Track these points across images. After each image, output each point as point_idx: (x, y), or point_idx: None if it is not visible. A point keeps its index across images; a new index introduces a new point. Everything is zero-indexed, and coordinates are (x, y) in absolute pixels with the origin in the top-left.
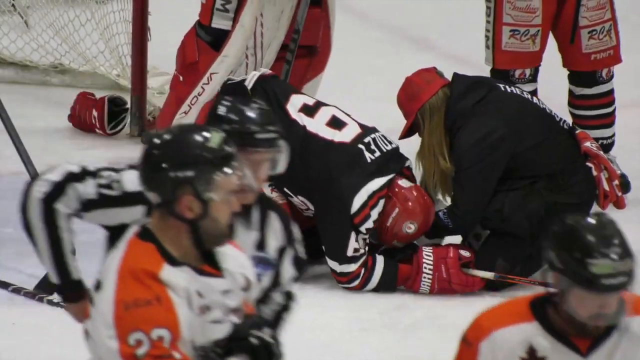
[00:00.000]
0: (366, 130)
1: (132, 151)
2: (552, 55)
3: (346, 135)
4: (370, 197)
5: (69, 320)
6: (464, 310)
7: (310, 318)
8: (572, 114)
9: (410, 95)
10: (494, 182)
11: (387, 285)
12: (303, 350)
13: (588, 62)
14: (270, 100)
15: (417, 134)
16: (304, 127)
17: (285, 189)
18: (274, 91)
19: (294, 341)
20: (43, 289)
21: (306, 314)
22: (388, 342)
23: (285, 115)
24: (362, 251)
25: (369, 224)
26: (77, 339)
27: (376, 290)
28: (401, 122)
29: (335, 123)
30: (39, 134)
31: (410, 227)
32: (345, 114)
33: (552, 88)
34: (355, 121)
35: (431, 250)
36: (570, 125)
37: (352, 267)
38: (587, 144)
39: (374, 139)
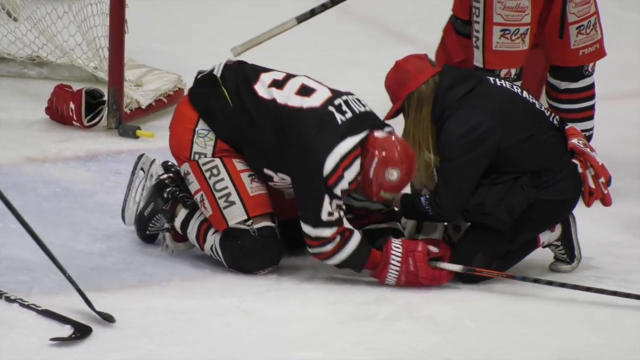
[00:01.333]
0: (337, 93)
1: (109, 144)
2: None
3: (315, 100)
4: (342, 157)
5: None
6: (441, 303)
7: (288, 311)
8: (555, 108)
9: (400, 80)
10: (478, 176)
11: (355, 263)
12: (279, 342)
13: (577, 58)
14: (239, 84)
15: (402, 115)
16: (274, 100)
17: (265, 171)
18: (243, 75)
19: (271, 333)
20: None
21: (283, 306)
22: (365, 335)
23: (254, 95)
24: (336, 216)
25: (344, 184)
26: None
27: (343, 265)
28: (382, 114)
29: (304, 91)
30: (16, 127)
31: (393, 174)
32: (316, 81)
33: None
34: (326, 86)
35: (400, 243)
36: (559, 120)
37: (326, 232)
38: (574, 140)
39: (345, 101)
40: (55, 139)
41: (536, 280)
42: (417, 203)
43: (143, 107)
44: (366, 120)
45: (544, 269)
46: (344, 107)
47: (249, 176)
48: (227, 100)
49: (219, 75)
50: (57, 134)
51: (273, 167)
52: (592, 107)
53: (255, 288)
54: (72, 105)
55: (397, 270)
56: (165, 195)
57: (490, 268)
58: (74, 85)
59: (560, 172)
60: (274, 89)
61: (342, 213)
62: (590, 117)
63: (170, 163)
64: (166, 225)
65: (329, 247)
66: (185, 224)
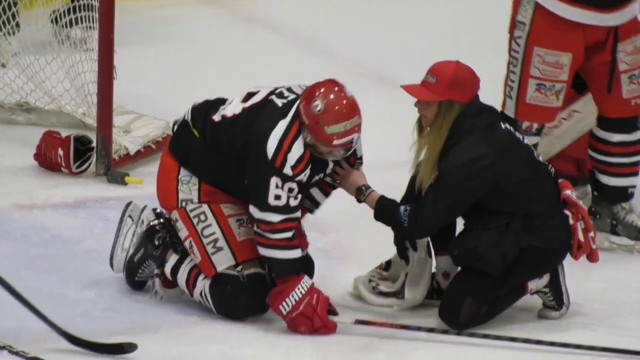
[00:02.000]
0: (282, 86)
1: (98, 190)
2: None
3: (258, 98)
4: (283, 135)
5: None
6: (430, 351)
7: (276, 359)
8: (602, 162)
9: (455, 83)
10: (467, 205)
11: (279, 268)
12: None
13: (629, 108)
14: (204, 120)
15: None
16: (223, 116)
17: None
18: (207, 109)
19: None
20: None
21: (271, 354)
22: None
23: (211, 123)
24: (284, 201)
25: (291, 161)
26: None
27: (270, 262)
28: (372, 158)
29: (249, 96)
30: (4, 173)
31: (317, 105)
32: (265, 86)
33: None
34: (271, 87)
35: (311, 282)
36: (554, 172)
37: (274, 217)
38: (568, 192)
39: (288, 88)
40: (44, 186)
41: (430, 330)
42: (395, 211)
43: (131, 153)
44: None
45: (533, 315)
46: (286, 93)
47: (237, 221)
48: (197, 140)
49: (189, 119)
50: (45, 180)
51: (243, 180)
52: None
53: (243, 335)
54: (60, 152)
55: (296, 300)
56: (155, 241)
57: (479, 313)
58: (63, 132)
59: (552, 219)
60: (224, 111)
61: (292, 200)
62: (637, 173)
63: (159, 210)
64: (156, 271)
65: (277, 236)
66: (175, 269)
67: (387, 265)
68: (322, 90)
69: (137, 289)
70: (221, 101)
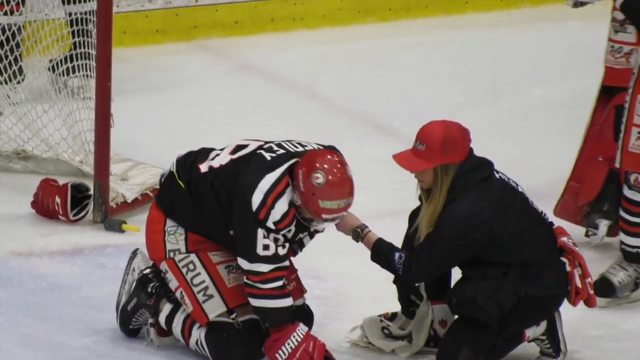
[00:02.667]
0: (272, 141)
1: (95, 238)
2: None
3: (246, 150)
4: (269, 190)
5: None
6: None
7: None
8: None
9: (445, 147)
10: (461, 259)
11: (272, 317)
12: None
13: None
14: (188, 171)
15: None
16: (210, 167)
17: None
18: (193, 160)
19: None
20: None
21: None
22: None
23: (197, 172)
24: (272, 250)
25: (275, 216)
26: None
27: (262, 312)
28: (368, 206)
29: (238, 148)
30: (2, 221)
31: (318, 177)
32: (255, 140)
33: None
34: (261, 141)
35: (306, 329)
36: (550, 220)
37: (264, 267)
38: (564, 239)
39: (278, 144)
40: (41, 233)
41: None
42: (390, 257)
43: (129, 201)
44: (299, 155)
45: None
46: (275, 148)
47: (226, 268)
48: (182, 190)
49: (174, 170)
50: (42, 228)
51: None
52: None
53: None
54: (57, 200)
55: (294, 345)
56: (149, 289)
57: None
58: (60, 179)
59: (549, 267)
60: (211, 162)
61: (281, 249)
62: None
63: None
64: (150, 320)
65: (268, 286)
66: (170, 318)
67: (393, 317)
68: (326, 164)
69: (132, 336)
70: (205, 151)
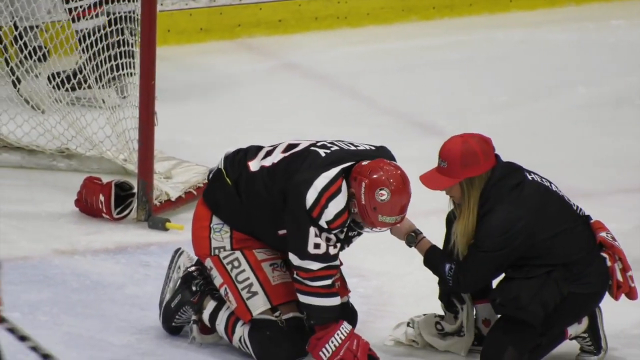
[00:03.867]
0: (322, 140)
1: (138, 236)
2: None
3: (299, 148)
4: (324, 188)
5: None
6: None
7: None
8: None
9: (466, 161)
10: (506, 265)
11: (319, 315)
12: None
13: None
14: (237, 168)
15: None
16: (262, 167)
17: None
18: (242, 157)
19: None
20: None
21: None
22: None
23: (247, 171)
24: (323, 249)
25: (328, 216)
26: None
27: (310, 308)
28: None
29: (290, 147)
30: (45, 219)
31: (383, 194)
32: (306, 140)
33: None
34: (311, 140)
35: (350, 327)
36: (586, 213)
37: (314, 265)
38: (603, 234)
39: (332, 142)
40: (85, 232)
41: None
42: (440, 267)
43: (172, 199)
44: (354, 155)
45: None
46: (329, 145)
47: (271, 265)
48: (229, 188)
49: (222, 167)
50: (86, 226)
51: (281, 230)
52: None
53: None
54: (101, 198)
55: (338, 344)
56: (193, 287)
57: None
58: (104, 178)
59: (590, 265)
60: (263, 161)
61: (332, 249)
62: None
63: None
64: (193, 317)
65: (316, 284)
66: (213, 316)
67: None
68: (391, 179)
69: (174, 334)
70: (254, 149)
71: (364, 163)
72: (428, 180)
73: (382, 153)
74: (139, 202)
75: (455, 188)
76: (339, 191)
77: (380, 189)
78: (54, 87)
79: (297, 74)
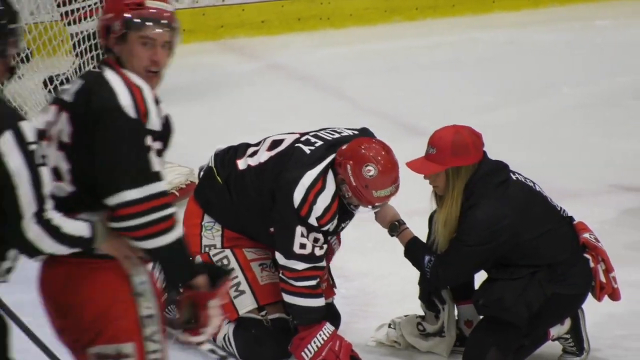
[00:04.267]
0: (307, 132)
1: None
2: None
3: (284, 145)
4: (310, 186)
5: None
6: None
7: None
8: None
9: (456, 150)
10: (486, 262)
11: (303, 316)
12: None
13: None
14: (227, 167)
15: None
16: (248, 166)
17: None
18: (232, 155)
19: None
20: None
21: None
22: None
23: (235, 170)
24: (309, 250)
25: (317, 212)
26: None
27: (295, 309)
28: (395, 206)
29: (274, 144)
30: None
31: (370, 170)
32: (288, 133)
33: None
34: (297, 133)
35: (333, 328)
36: (569, 214)
37: (299, 265)
38: (586, 235)
39: (315, 134)
40: None
41: None
42: (420, 259)
43: None
44: (338, 145)
45: None
46: (313, 140)
47: (260, 265)
48: (220, 187)
49: (213, 165)
50: None
51: (269, 230)
52: None
53: None
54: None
55: (318, 346)
56: (179, 287)
57: None
58: None
59: (574, 266)
60: (249, 159)
61: (318, 250)
62: None
63: None
64: (177, 316)
65: (301, 284)
66: None
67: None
68: (373, 154)
69: None
70: (244, 146)
71: (343, 147)
72: (415, 166)
73: (363, 134)
74: None
75: (440, 177)
76: (325, 186)
77: (366, 165)
78: (49, 92)
79: (282, 74)
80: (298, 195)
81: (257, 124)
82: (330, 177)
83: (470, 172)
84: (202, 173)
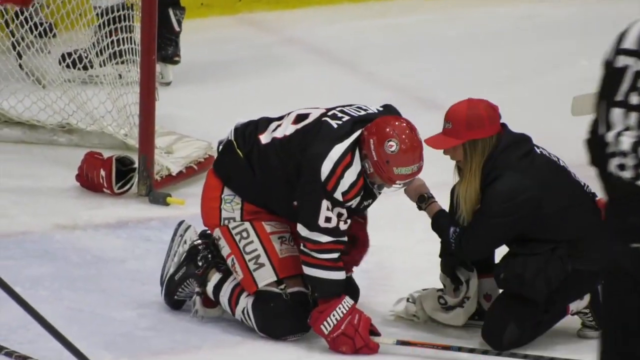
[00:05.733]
0: (333, 107)
1: (139, 211)
2: None
3: (310, 119)
4: (339, 159)
5: None
6: None
7: None
8: None
9: (471, 123)
10: (509, 237)
11: (324, 289)
12: None
13: None
14: (249, 140)
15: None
16: (274, 139)
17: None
18: (253, 129)
19: None
20: None
21: None
22: None
23: (258, 145)
24: (334, 224)
25: (344, 186)
26: None
27: (314, 281)
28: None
29: (300, 118)
30: (46, 194)
31: (392, 145)
32: (312, 107)
33: None
34: (321, 108)
35: (352, 302)
36: (593, 191)
37: (323, 238)
38: None
39: (341, 110)
40: (86, 206)
41: (471, 351)
42: (445, 230)
43: (174, 174)
44: (365, 122)
45: (573, 335)
46: (339, 114)
47: (279, 238)
48: (241, 160)
49: (233, 138)
50: (87, 201)
51: (292, 201)
52: None
53: (286, 355)
54: (102, 173)
55: (339, 317)
56: (199, 261)
57: (522, 337)
58: (105, 153)
59: (595, 242)
60: (274, 133)
61: (342, 224)
62: None
63: (207, 232)
64: (197, 289)
65: (323, 256)
66: (218, 287)
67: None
68: (397, 130)
69: (176, 308)
70: (265, 121)
71: (368, 124)
72: (432, 141)
73: (387, 112)
74: (139, 177)
75: (458, 151)
76: (352, 161)
77: (388, 141)
78: (66, 67)
79: (298, 49)
80: (326, 168)
81: (273, 98)
82: (357, 154)
83: (489, 146)
84: (221, 147)
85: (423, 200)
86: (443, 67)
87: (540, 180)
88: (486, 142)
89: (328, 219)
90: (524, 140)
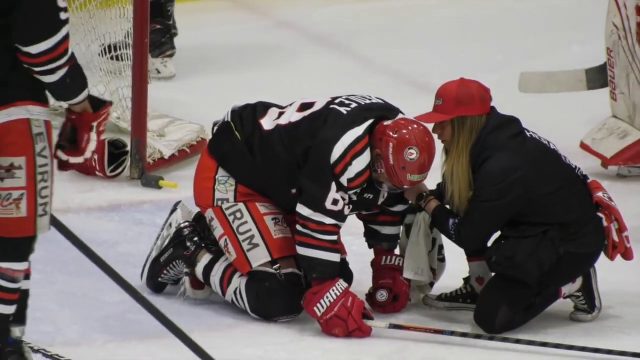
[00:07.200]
0: (338, 96)
1: (132, 194)
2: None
3: (316, 107)
4: (350, 145)
5: None
6: (465, 353)
7: None
8: None
9: (460, 99)
10: (504, 219)
11: (319, 269)
12: None
13: None
14: (248, 123)
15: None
16: (277, 125)
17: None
18: (252, 112)
19: None
20: None
21: (306, 357)
22: None
23: (259, 129)
24: (340, 207)
25: (350, 173)
26: None
27: (309, 261)
28: None
29: (305, 106)
30: None
31: (412, 153)
32: (320, 97)
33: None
34: (326, 97)
35: (346, 285)
36: (584, 174)
37: (327, 220)
38: (599, 194)
39: (347, 97)
40: (78, 189)
41: (464, 334)
42: (445, 223)
43: (166, 157)
44: (372, 111)
45: (565, 318)
46: (346, 102)
47: (273, 219)
48: (239, 142)
49: (229, 119)
50: (79, 184)
51: (293, 187)
52: None
53: (278, 338)
54: (94, 156)
55: (332, 299)
56: (187, 243)
57: (514, 320)
58: None
59: (587, 225)
60: (277, 120)
61: (347, 209)
62: None
63: (193, 212)
64: (186, 270)
65: (324, 237)
66: (208, 267)
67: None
68: (418, 139)
69: (158, 291)
70: (263, 105)
71: (386, 123)
72: (422, 117)
73: (388, 104)
74: (132, 160)
75: (447, 129)
76: (363, 150)
77: (410, 148)
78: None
79: (292, 32)
80: (337, 152)
81: (267, 81)
82: (369, 143)
83: (477, 125)
84: (216, 128)
85: (421, 198)
86: (436, 51)
87: (530, 161)
88: (475, 120)
89: (335, 202)
90: (514, 121)
